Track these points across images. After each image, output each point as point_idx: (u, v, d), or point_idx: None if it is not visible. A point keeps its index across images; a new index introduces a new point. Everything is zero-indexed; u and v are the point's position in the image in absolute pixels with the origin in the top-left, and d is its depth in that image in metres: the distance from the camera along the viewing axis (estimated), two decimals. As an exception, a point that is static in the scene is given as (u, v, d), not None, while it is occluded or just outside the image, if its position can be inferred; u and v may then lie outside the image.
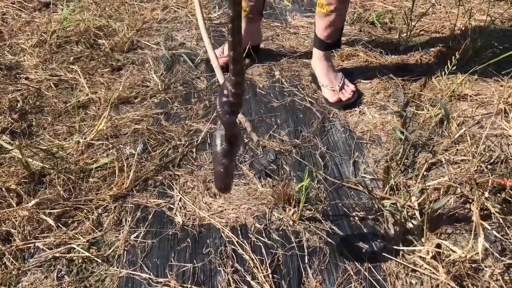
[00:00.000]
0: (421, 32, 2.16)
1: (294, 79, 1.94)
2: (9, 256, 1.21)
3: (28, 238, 1.27)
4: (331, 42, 1.78)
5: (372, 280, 1.20)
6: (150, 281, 1.18)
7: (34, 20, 2.38)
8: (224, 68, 1.84)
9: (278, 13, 2.44)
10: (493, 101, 1.74)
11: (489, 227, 1.29)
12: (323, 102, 1.81)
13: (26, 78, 1.94)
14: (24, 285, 1.17)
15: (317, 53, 1.84)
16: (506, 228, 1.30)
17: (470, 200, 1.38)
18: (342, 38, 2.17)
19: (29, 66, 2.02)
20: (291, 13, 2.43)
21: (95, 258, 1.23)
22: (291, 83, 1.91)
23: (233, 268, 1.22)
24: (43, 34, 2.21)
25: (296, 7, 2.49)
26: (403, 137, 1.57)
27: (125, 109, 1.78)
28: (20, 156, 1.41)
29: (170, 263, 1.23)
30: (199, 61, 2.05)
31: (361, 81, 1.92)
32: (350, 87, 1.83)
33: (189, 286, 1.17)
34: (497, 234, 1.28)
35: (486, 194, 1.34)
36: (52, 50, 2.12)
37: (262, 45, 2.14)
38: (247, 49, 1.93)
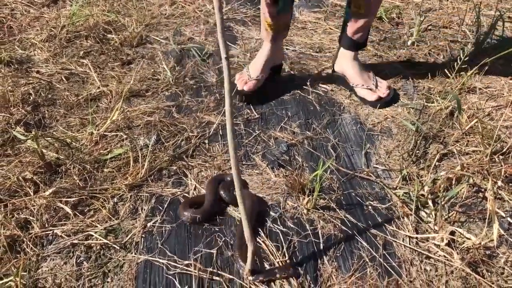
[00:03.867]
0: (429, 27, 2.17)
1: (303, 72, 1.95)
2: (29, 243, 1.22)
3: (46, 225, 1.28)
4: (362, 41, 1.76)
5: (387, 267, 1.21)
6: (169, 265, 1.19)
7: (43, 15, 2.39)
8: (252, 94, 1.73)
9: (285, 8, 2.45)
10: (503, 94, 1.75)
11: (503, 214, 1.30)
12: (332, 95, 1.83)
13: (37, 72, 1.95)
14: (44, 271, 1.17)
15: (348, 54, 1.80)
16: (519, 215, 1.31)
17: (483, 190, 1.39)
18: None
19: (40, 60, 2.04)
20: (298, 9, 2.44)
21: (113, 245, 1.23)
22: (300, 76, 1.92)
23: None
24: (53, 29, 2.22)
25: (304, 2, 2.50)
26: (414, 129, 1.58)
27: (136, 102, 1.79)
28: (36, 146, 1.42)
29: (188, 248, 1.24)
30: (207, 55, 2.07)
31: (370, 74, 1.93)
32: (383, 84, 1.79)
33: (210, 269, 1.18)
34: (511, 221, 1.29)
35: (499, 183, 1.36)
36: (62, 45, 2.14)
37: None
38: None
